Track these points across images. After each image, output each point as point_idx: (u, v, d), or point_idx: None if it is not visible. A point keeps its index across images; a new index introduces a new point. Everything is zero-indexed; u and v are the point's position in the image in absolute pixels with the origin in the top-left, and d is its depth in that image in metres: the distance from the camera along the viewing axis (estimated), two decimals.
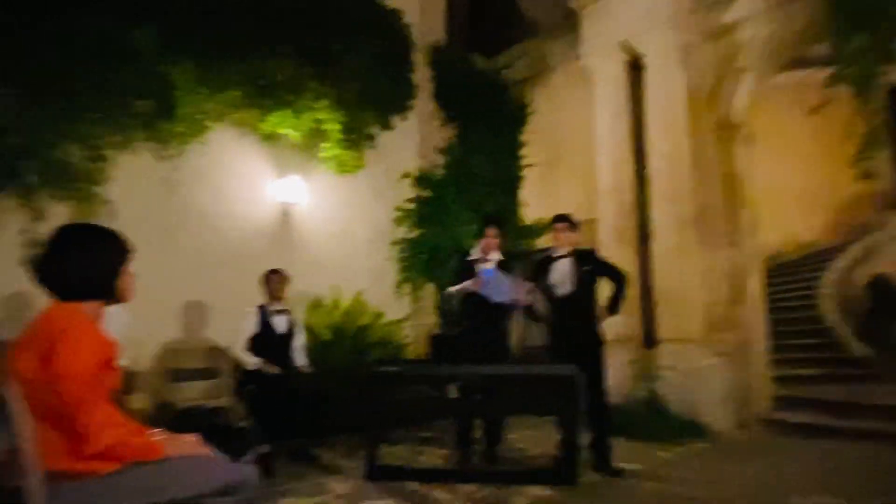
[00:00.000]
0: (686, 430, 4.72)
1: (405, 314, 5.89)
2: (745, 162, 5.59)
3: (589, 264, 3.87)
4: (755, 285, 5.55)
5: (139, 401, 4.11)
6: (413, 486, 3.41)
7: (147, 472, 1.66)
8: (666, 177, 5.42)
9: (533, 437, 4.60)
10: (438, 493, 3.30)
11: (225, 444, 1.99)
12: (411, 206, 6.23)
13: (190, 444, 1.81)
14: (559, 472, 3.51)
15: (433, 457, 4.14)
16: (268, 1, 5.02)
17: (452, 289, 3.97)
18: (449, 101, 6.71)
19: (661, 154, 5.46)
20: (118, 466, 1.63)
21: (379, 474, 3.52)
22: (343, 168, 5.62)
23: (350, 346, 5.03)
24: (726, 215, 5.42)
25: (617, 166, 5.85)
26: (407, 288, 6.11)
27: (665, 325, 5.33)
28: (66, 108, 3.99)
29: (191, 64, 4.51)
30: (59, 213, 4.09)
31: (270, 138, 5.25)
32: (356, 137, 5.65)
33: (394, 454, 4.05)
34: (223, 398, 4.41)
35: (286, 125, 5.15)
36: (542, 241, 6.33)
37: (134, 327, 4.08)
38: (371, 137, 5.84)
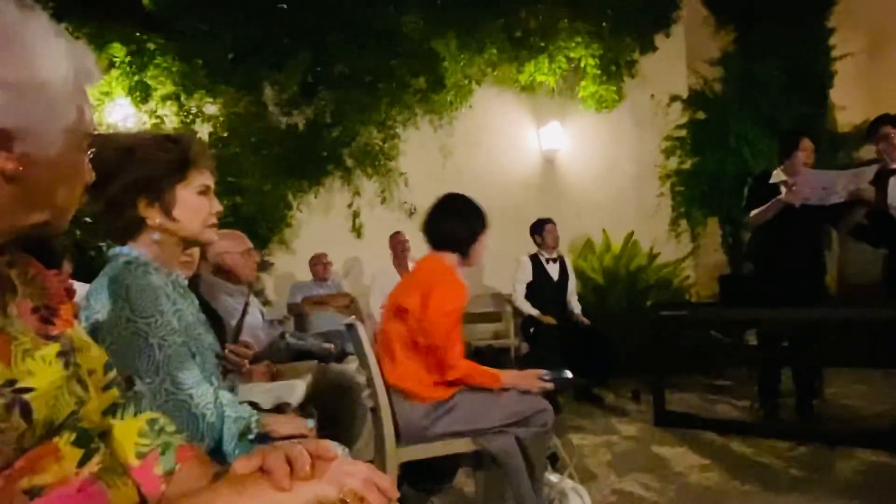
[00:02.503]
0: None
1: (684, 253, 5.43)
2: None
3: None
4: None
5: None
6: (709, 435, 3.20)
7: (474, 401, 1.99)
8: None
9: (861, 393, 3.81)
10: (740, 446, 3.03)
11: None
12: (683, 132, 5.60)
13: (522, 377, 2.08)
14: None
15: (729, 407, 3.79)
16: None
17: (755, 212, 3.35)
18: (722, 0, 5.69)
19: None
20: (453, 392, 1.99)
21: (669, 420, 3.40)
22: (602, 104, 5.36)
23: (624, 290, 4.90)
24: None
25: None
26: (684, 224, 5.59)
27: None
28: (365, 99, 4.74)
29: (452, 34, 4.83)
30: (369, 188, 4.98)
31: (528, 89, 5.34)
32: (614, 68, 5.29)
33: (683, 401, 3.85)
34: (509, 339, 4.83)
35: (542, 72, 5.14)
36: (867, 153, 5.00)
37: None
38: (631, 64, 5.39)
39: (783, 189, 3.28)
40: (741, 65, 5.51)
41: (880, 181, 3.05)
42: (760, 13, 5.48)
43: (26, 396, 0.57)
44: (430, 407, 1.98)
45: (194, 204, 1.23)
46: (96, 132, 0.69)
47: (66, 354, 0.65)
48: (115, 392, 0.75)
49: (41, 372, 0.60)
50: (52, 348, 0.63)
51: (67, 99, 0.61)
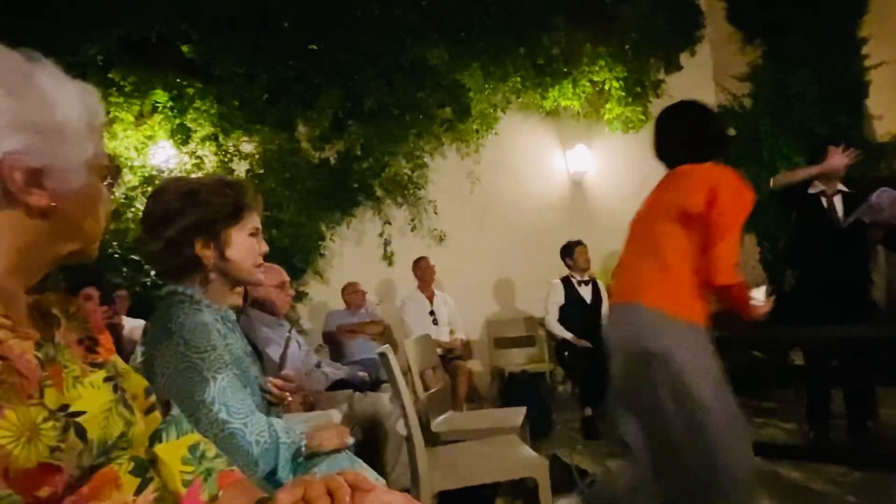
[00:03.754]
0: None
1: None
2: None
3: None
4: None
5: (475, 365, 4.77)
6: (755, 461, 3.05)
7: (703, 349, 1.81)
8: None
9: None
10: (790, 471, 2.89)
11: None
12: None
13: None
14: None
15: (777, 430, 3.63)
16: None
17: (782, 173, 3.32)
18: (748, 15, 5.65)
19: None
20: (701, 324, 1.82)
21: None
22: (629, 126, 5.35)
23: None
24: None
25: None
26: None
27: None
28: (394, 131, 4.87)
29: (476, 65, 4.94)
30: (399, 216, 5.07)
31: (553, 114, 5.39)
32: (639, 90, 5.29)
33: None
34: (544, 364, 4.76)
35: (566, 97, 5.19)
36: None
37: (462, 303, 4.75)
38: (657, 84, 5.39)
39: (823, 200, 3.22)
40: (772, 78, 5.43)
41: None
42: (788, 26, 5.41)
43: (79, 419, 0.61)
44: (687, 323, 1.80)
45: (246, 245, 1.31)
46: (113, 162, 0.75)
47: (112, 379, 0.70)
48: (157, 416, 0.79)
49: (91, 396, 0.65)
50: (99, 374, 0.69)
51: (84, 134, 0.67)
